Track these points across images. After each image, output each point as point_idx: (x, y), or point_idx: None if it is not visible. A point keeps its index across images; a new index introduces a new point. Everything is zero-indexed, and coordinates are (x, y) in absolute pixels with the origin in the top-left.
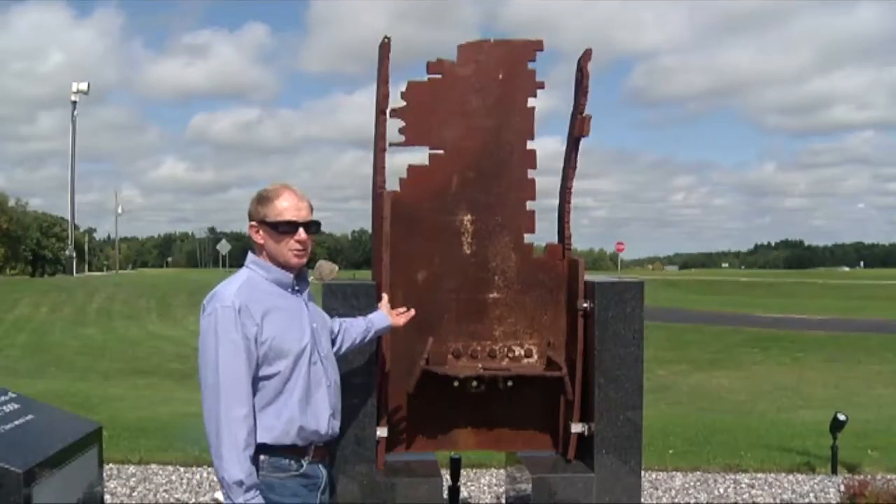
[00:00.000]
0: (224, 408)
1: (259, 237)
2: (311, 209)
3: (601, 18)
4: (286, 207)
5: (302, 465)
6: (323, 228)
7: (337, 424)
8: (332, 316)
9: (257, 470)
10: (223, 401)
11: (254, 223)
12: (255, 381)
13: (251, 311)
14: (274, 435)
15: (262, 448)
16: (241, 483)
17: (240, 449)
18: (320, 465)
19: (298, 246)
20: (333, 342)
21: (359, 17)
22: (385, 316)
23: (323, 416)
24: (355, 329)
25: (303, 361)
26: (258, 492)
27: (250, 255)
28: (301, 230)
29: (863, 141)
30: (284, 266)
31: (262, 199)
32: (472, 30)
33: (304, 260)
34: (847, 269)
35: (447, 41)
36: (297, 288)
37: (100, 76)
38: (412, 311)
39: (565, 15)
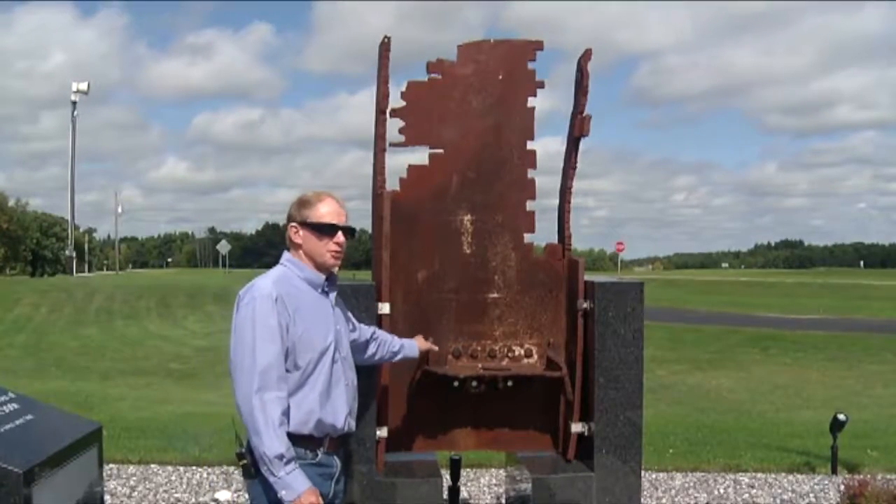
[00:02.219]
0: (259, 389)
1: (298, 237)
2: (347, 216)
3: (605, 19)
4: (328, 212)
5: (317, 455)
6: None
7: (353, 423)
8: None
9: None
10: (258, 382)
11: (294, 224)
12: None
13: (286, 303)
14: (293, 424)
15: None
16: (281, 457)
17: (276, 425)
18: (335, 456)
19: (336, 248)
20: (366, 347)
21: (363, 17)
22: (417, 348)
23: (340, 413)
24: (390, 346)
25: (326, 359)
26: (297, 464)
27: (286, 254)
28: (340, 233)
29: (864, 141)
30: (320, 266)
31: (304, 202)
32: (476, 30)
33: (339, 262)
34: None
35: (451, 42)
36: (326, 289)
37: (103, 76)
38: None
39: (569, 15)
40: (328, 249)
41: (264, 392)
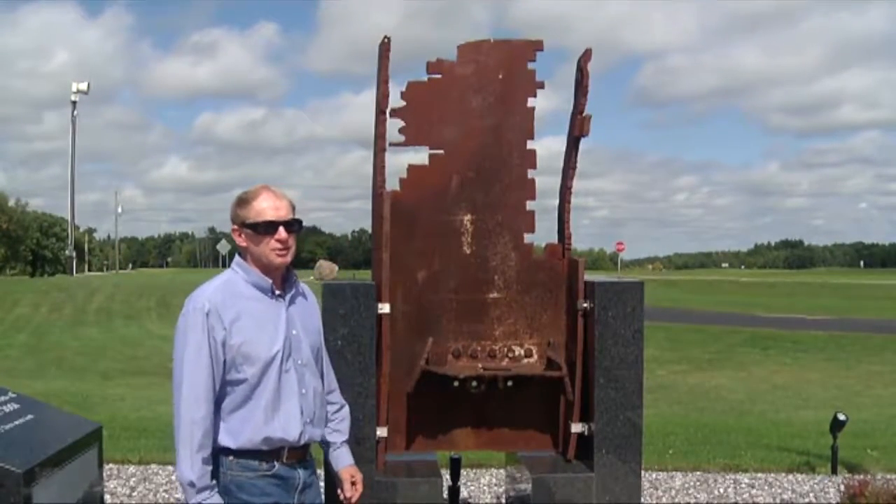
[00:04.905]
0: (184, 408)
1: (241, 240)
2: (293, 208)
3: (610, 18)
4: (265, 208)
5: (273, 466)
6: (323, 228)
7: (316, 431)
8: (338, 314)
9: (220, 470)
10: (184, 401)
11: (235, 226)
12: (224, 386)
13: (221, 314)
14: (239, 441)
15: (228, 451)
16: (192, 484)
17: (194, 450)
18: (298, 468)
19: (279, 245)
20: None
21: (368, 16)
22: (344, 467)
23: (293, 425)
24: (332, 423)
25: (272, 369)
26: (213, 492)
27: (236, 258)
28: (281, 229)
29: (867, 141)
30: (268, 266)
31: (241, 201)
32: (482, 30)
33: (288, 259)
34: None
35: (458, 40)
36: (277, 293)
37: (107, 76)
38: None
39: (575, 14)
40: (270, 248)
41: (188, 411)
